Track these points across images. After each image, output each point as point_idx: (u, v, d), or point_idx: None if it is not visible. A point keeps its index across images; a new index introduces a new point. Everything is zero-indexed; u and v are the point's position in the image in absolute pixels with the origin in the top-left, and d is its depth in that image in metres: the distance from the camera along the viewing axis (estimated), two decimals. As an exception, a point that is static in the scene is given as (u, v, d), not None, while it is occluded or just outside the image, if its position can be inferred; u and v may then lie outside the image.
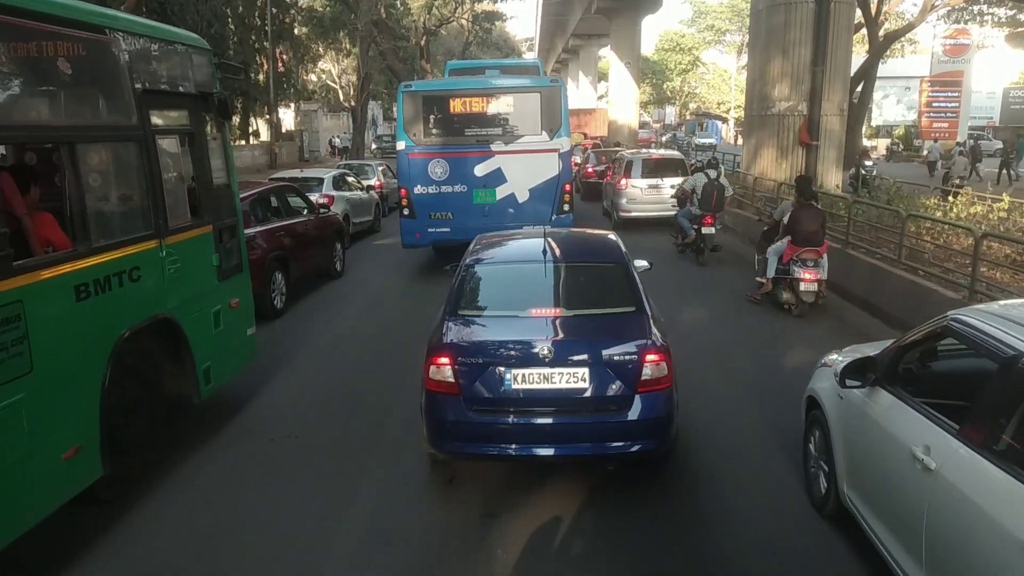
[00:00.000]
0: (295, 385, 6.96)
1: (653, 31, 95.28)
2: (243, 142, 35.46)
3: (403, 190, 11.40)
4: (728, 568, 3.96)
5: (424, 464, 5.13)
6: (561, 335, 4.59)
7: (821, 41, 13.49)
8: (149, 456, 5.13)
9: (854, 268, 9.29)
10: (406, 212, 11.38)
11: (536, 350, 4.37)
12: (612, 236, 6.12)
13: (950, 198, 11.38)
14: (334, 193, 14.15)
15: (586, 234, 7.06)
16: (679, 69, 75.90)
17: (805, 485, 4.70)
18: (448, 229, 11.25)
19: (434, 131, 11.22)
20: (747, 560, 4.01)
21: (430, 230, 11.35)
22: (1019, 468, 2.62)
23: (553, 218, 10.95)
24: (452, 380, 4.45)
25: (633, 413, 4.36)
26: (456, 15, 40.99)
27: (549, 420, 4.43)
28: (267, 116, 36.44)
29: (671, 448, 4.70)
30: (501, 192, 11.14)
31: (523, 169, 11.05)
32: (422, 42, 38.61)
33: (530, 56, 73.38)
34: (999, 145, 42.46)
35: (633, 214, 15.50)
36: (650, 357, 4.40)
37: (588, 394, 4.38)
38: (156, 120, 5.26)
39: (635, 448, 4.40)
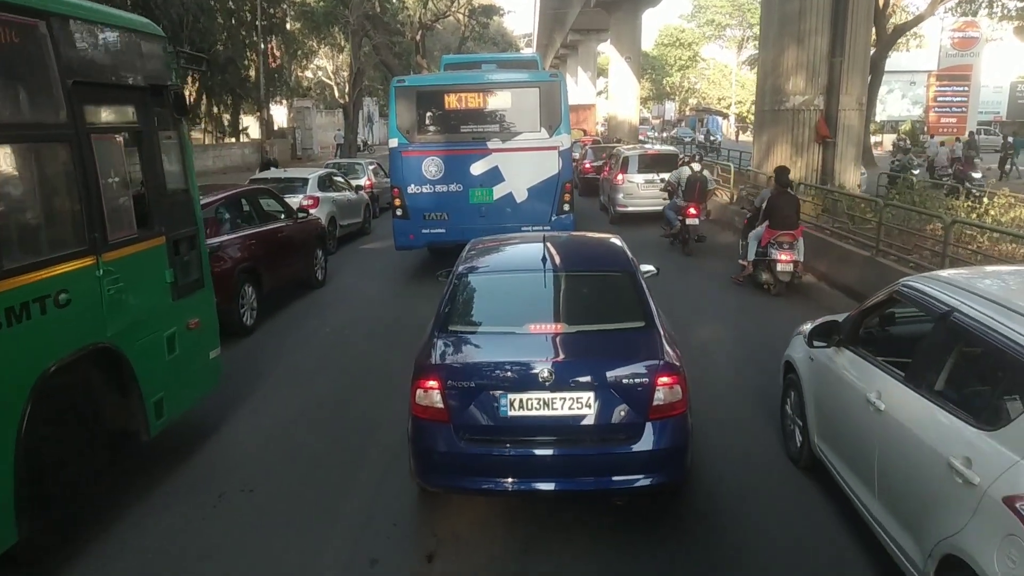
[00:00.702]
0: (261, 416, 6.11)
1: (653, 26, 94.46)
2: (233, 140, 34.60)
3: (396, 189, 10.89)
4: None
5: (397, 534, 4.29)
6: (563, 355, 4.15)
7: (839, 29, 12.67)
8: (84, 509, 4.34)
9: (887, 279, 8.34)
10: (399, 212, 10.86)
11: (535, 372, 3.94)
12: (617, 241, 5.54)
13: (985, 200, 10.60)
14: (319, 194, 13.30)
15: (589, 238, 6.43)
16: (679, 64, 75.05)
17: (782, 441, 5.22)
18: (443, 230, 10.73)
19: (428, 128, 10.72)
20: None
21: (424, 231, 10.83)
22: (947, 402, 3.20)
23: (553, 219, 10.53)
24: (441, 405, 3.99)
25: (644, 443, 3.93)
26: (452, 9, 40.08)
27: (550, 451, 4.00)
28: (258, 113, 35.56)
29: (685, 481, 4.25)
30: (499, 191, 10.65)
31: (521, 167, 10.55)
32: (417, 37, 37.70)
33: (528, 51, 72.62)
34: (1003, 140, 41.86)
35: (630, 209, 15.83)
36: (663, 379, 3.95)
37: (593, 422, 3.94)
38: (93, 117, 4.46)
39: (646, 482, 3.97)
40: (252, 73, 33.63)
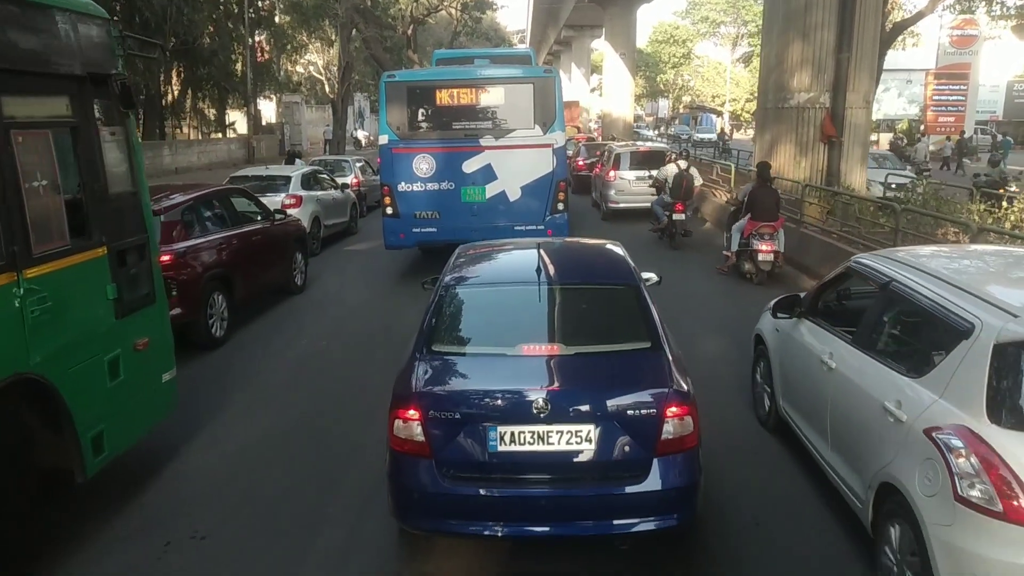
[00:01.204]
0: (223, 444, 5.49)
1: (647, 22, 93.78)
2: (219, 135, 33.81)
3: (386, 187, 10.54)
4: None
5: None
6: (560, 382, 3.76)
7: (847, 24, 12.08)
8: (7, 561, 3.72)
9: None
10: (389, 211, 10.51)
11: (528, 401, 3.54)
12: (618, 249, 5.12)
13: (1003, 203, 10.06)
14: (302, 193, 12.64)
15: (587, 246, 5.96)
16: (672, 62, 74.53)
17: (753, 407, 5.81)
18: (435, 229, 10.43)
19: (419, 124, 10.40)
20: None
21: (415, 230, 10.48)
22: (885, 357, 3.84)
23: (547, 218, 10.31)
24: (422, 438, 3.58)
25: (651, 482, 3.53)
26: (444, 4, 39.35)
27: (545, 490, 3.60)
28: (244, 108, 34.78)
29: (692, 521, 3.80)
30: (491, 190, 10.34)
31: (515, 165, 10.25)
32: (409, 31, 36.97)
33: (522, 47, 71.99)
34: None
35: (621, 205, 16.11)
36: (672, 410, 3.55)
37: (594, 458, 3.54)
38: (13, 109, 3.83)
39: (652, 525, 3.58)
40: (239, 67, 32.86)
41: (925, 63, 39.66)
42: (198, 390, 6.54)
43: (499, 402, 3.63)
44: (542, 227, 10.29)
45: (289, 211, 11.71)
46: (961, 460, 2.98)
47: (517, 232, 10.12)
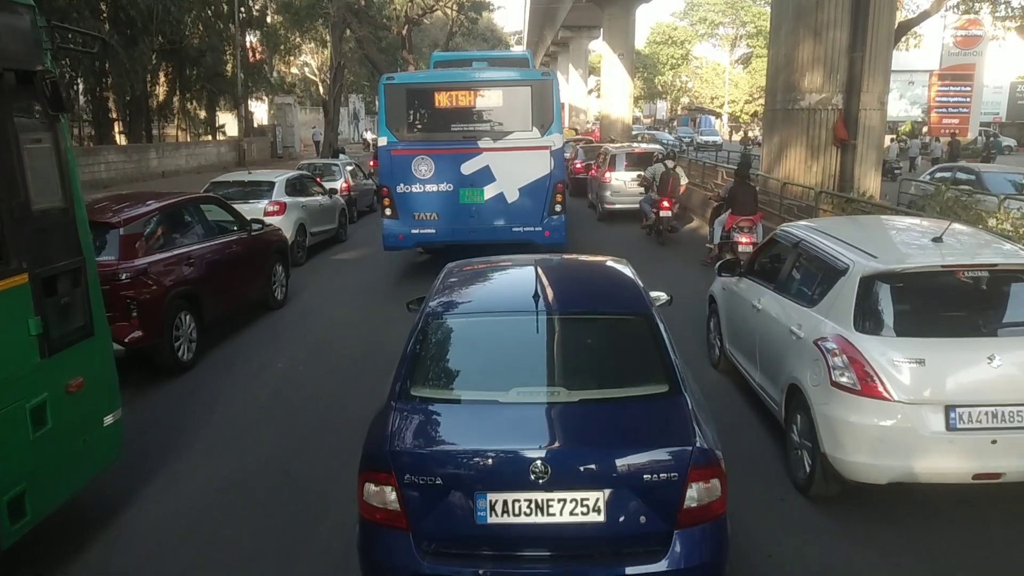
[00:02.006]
0: (180, 490, 4.82)
1: (645, 23, 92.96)
2: (209, 137, 33.09)
3: (385, 189, 10.60)
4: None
5: None
6: (562, 438, 3.17)
7: (861, 21, 11.45)
8: None
9: None
10: (388, 212, 10.54)
11: (526, 461, 2.96)
12: (627, 270, 4.51)
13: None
14: (286, 199, 11.95)
15: (592, 266, 5.14)
16: (671, 63, 73.97)
17: (707, 352, 7.11)
18: (433, 230, 10.50)
19: (418, 126, 10.41)
20: None
21: (414, 231, 10.52)
22: (792, 296, 5.21)
23: (545, 220, 10.37)
24: (397, 507, 3.00)
25: (670, 559, 2.95)
26: (440, 4, 38.69)
27: (546, 570, 3.04)
28: (234, 110, 34.08)
29: None
30: (489, 191, 10.34)
31: (513, 167, 10.25)
32: (404, 32, 36.30)
33: (518, 49, 71.49)
34: (1008, 142, 41.00)
35: (617, 206, 16.20)
36: (697, 473, 2.99)
37: (604, 532, 2.97)
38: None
39: None
40: (230, 68, 32.17)
41: (928, 64, 39.10)
42: (159, 423, 5.90)
43: (490, 463, 3.03)
44: (540, 228, 10.36)
45: (273, 219, 11.09)
46: (835, 358, 4.28)
47: (515, 233, 10.33)
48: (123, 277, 6.40)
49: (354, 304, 9.74)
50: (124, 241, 6.56)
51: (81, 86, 26.28)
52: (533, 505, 2.95)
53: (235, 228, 8.54)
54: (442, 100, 10.28)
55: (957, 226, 5.28)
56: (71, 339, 4.11)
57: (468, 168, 10.25)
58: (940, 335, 4.24)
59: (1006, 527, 4.29)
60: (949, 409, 4.02)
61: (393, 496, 2.99)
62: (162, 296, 6.69)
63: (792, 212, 11.58)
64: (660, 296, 4.99)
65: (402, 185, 10.34)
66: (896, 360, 4.10)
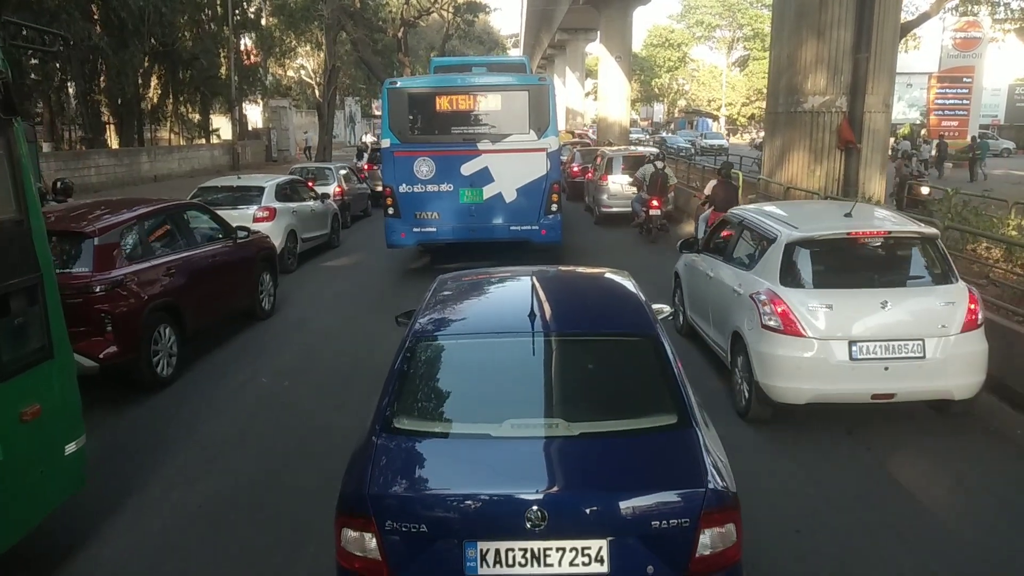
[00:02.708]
0: (146, 522, 4.47)
1: (641, 26, 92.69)
2: (202, 141, 32.73)
3: (388, 189, 10.97)
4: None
5: None
6: (561, 479, 2.91)
7: (866, 20, 11.15)
8: None
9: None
10: (391, 212, 10.95)
11: (520, 506, 2.69)
12: (628, 283, 4.21)
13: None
14: (276, 205, 11.61)
15: (591, 280, 4.75)
16: (667, 65, 73.78)
17: (673, 321, 7.92)
18: (434, 229, 10.91)
19: (420, 129, 10.81)
20: None
21: (416, 230, 10.93)
22: (736, 263, 6.30)
23: (541, 219, 10.75)
24: (378, 556, 2.72)
25: None
26: (436, 6, 38.39)
27: None
28: (228, 113, 33.72)
29: None
30: (488, 192, 10.73)
31: (511, 168, 10.65)
32: (400, 34, 35.97)
33: (515, 52, 71.41)
34: (1006, 144, 40.82)
35: (614, 209, 16.10)
36: (711, 517, 2.70)
37: None
38: None
39: None
40: (224, 70, 31.81)
41: (925, 66, 38.86)
42: (132, 446, 5.56)
43: (481, 508, 2.74)
44: (536, 227, 10.75)
45: (262, 225, 10.77)
46: (765, 307, 5.38)
47: (513, 232, 10.73)
48: (97, 290, 6.08)
49: (344, 314, 9.40)
50: (99, 251, 6.23)
51: (72, 89, 25.94)
52: (529, 555, 2.69)
53: (220, 236, 8.21)
54: (443, 104, 10.65)
55: (862, 204, 6.94)
56: (26, 362, 3.78)
57: (468, 169, 10.59)
58: (845, 287, 5.41)
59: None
60: (852, 343, 5.18)
61: (373, 544, 2.71)
62: (140, 309, 6.34)
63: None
64: (663, 309, 4.85)
65: (404, 185, 10.68)
66: (811, 306, 5.26)
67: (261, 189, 11.78)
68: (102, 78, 25.79)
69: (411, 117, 10.71)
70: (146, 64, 27.08)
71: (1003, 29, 31.06)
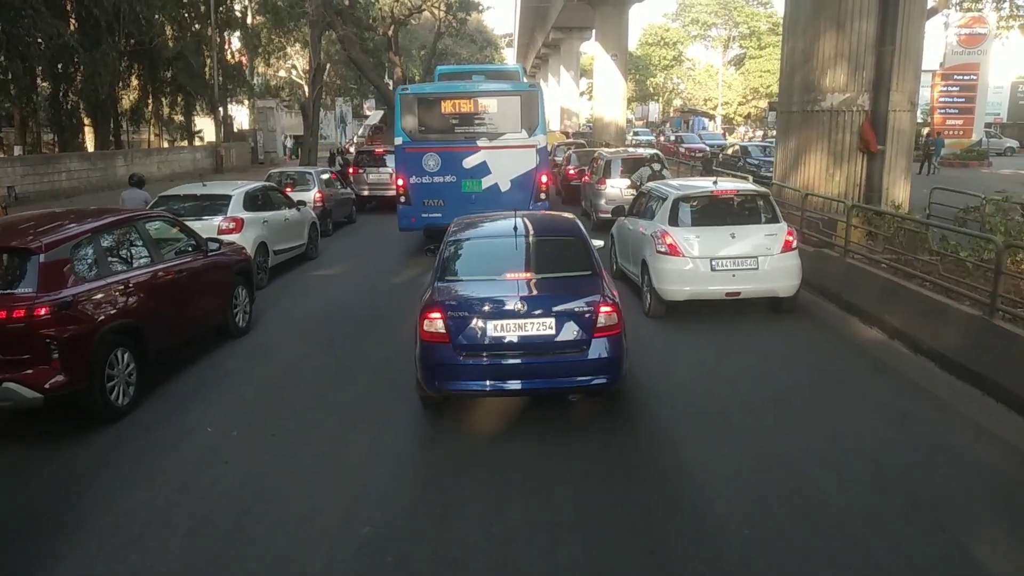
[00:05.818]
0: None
1: (636, 25, 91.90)
2: (185, 143, 31.62)
3: (401, 179, 12.63)
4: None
5: None
6: (531, 293, 5.56)
7: (891, 11, 10.22)
8: None
9: (1017, 358, 5.74)
10: (403, 200, 12.63)
11: (511, 305, 5.39)
12: (573, 217, 7.00)
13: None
14: (244, 215, 10.56)
15: (551, 215, 8.32)
16: (663, 65, 72.88)
17: (609, 268, 9.75)
18: (440, 215, 12.03)
19: (427, 128, 12.40)
20: None
21: (424, 215, 12.50)
22: (643, 217, 9.37)
23: (531, 205, 11.97)
24: (443, 330, 5.36)
25: (591, 353, 5.39)
26: (428, 4, 37.31)
27: (523, 360, 5.40)
28: (212, 115, 32.61)
29: (622, 383, 5.72)
30: (486, 182, 12.26)
31: (505, 162, 12.19)
32: (390, 32, 34.90)
33: (508, 51, 70.75)
34: (1010, 143, 40.01)
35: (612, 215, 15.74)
36: (604, 308, 5.45)
37: (555, 339, 5.38)
38: None
39: (593, 382, 5.44)
40: (208, 70, 30.70)
41: (929, 63, 38.01)
42: (64, 495, 4.70)
43: (491, 306, 5.44)
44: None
45: (228, 237, 9.69)
46: (659, 240, 8.33)
47: None
48: (42, 313, 5.20)
49: (324, 333, 8.41)
50: (45, 269, 5.39)
51: (42, 88, 24.80)
52: (516, 326, 5.37)
53: (189, 248, 7.27)
54: (447, 107, 12.34)
55: (723, 179, 10.52)
56: None
57: (468, 163, 12.24)
58: (708, 225, 8.35)
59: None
60: (712, 260, 8.11)
61: (441, 325, 5.35)
62: (92, 333, 5.49)
63: (816, 228, 10.26)
64: (598, 243, 6.69)
65: (414, 177, 12.37)
66: (687, 238, 8.21)
67: (228, 198, 10.74)
68: (78, 78, 24.68)
69: (420, 118, 12.35)
70: (124, 63, 25.96)
71: (1007, 26, 30.30)
